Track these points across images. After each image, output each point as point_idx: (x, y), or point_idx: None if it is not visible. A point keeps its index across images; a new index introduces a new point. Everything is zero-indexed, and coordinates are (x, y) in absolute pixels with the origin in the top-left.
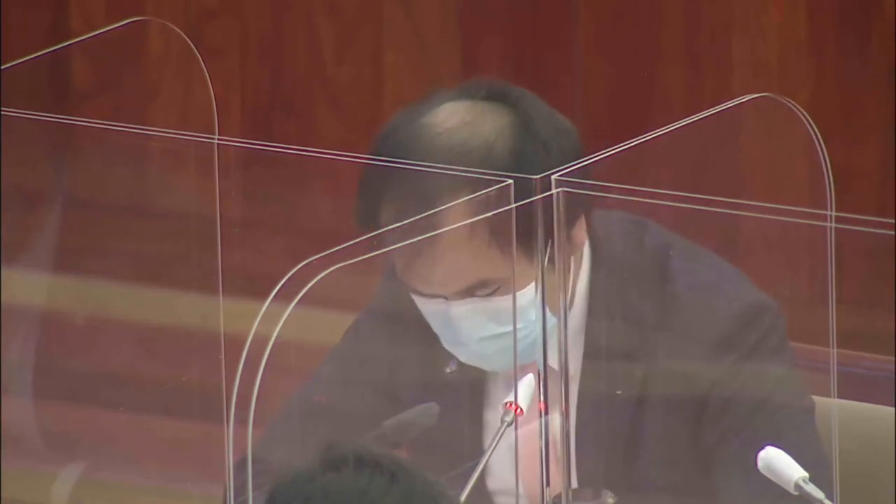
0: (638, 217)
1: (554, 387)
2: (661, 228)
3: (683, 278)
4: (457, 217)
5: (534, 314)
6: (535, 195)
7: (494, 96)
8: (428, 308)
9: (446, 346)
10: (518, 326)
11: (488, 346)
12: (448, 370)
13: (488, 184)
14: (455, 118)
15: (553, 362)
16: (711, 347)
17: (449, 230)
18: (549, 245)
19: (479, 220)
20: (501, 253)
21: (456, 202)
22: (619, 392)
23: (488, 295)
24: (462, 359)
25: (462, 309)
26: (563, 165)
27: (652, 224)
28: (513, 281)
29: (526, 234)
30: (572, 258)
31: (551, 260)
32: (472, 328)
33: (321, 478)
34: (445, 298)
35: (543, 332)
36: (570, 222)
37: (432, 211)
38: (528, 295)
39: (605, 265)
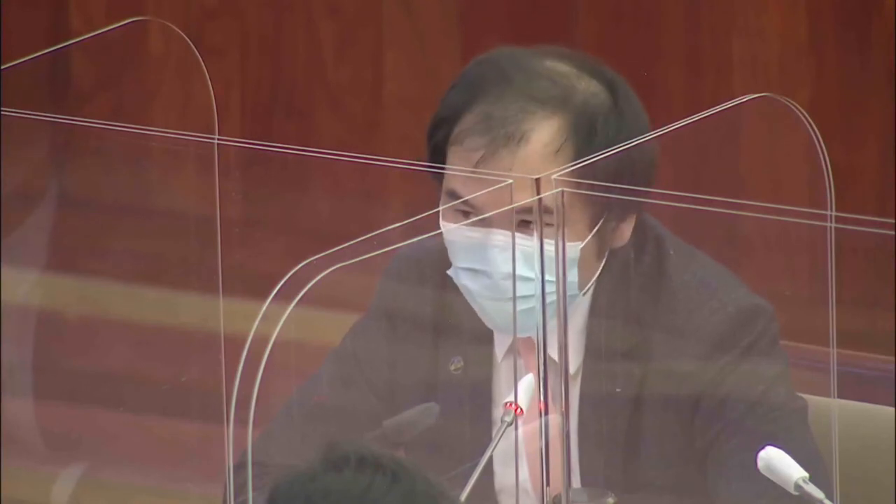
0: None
1: (554, 383)
2: (659, 224)
3: (679, 277)
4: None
5: (573, 276)
6: (536, 195)
7: (596, 72)
8: (458, 234)
9: (463, 278)
10: (550, 279)
11: (509, 287)
12: (452, 367)
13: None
14: (563, 63)
15: (553, 352)
16: (705, 348)
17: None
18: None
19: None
20: (577, 189)
21: (481, 193)
22: (618, 389)
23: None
24: (474, 289)
25: (502, 238)
26: (642, 150)
27: (647, 216)
28: (513, 280)
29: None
30: (608, 248)
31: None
32: (503, 262)
33: (322, 478)
34: (489, 227)
35: (544, 331)
36: (622, 216)
37: (436, 209)
38: (576, 252)
39: (609, 262)
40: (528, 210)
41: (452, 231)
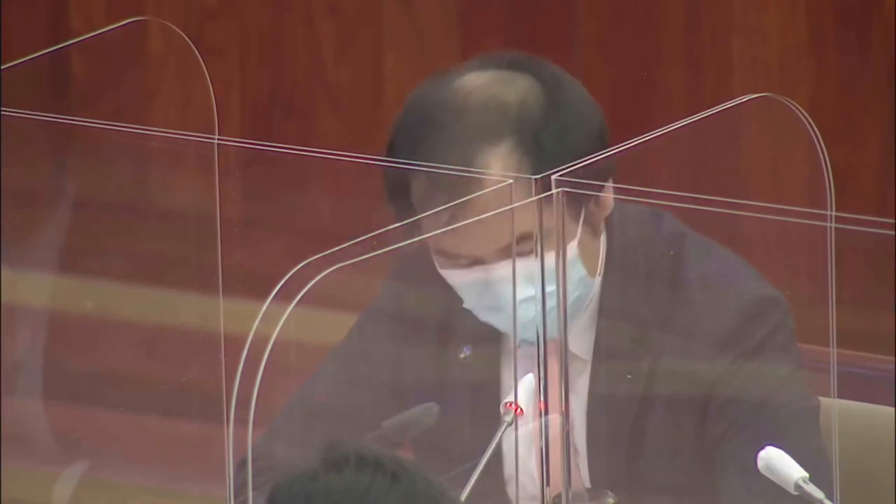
0: (655, 209)
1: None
2: (676, 220)
3: (695, 269)
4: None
5: (580, 272)
6: (535, 195)
7: (517, 65)
8: (462, 278)
9: (482, 315)
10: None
11: (528, 308)
12: (462, 356)
13: (511, 164)
14: (485, 77)
15: (570, 347)
16: (718, 341)
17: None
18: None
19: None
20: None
21: (472, 196)
22: (629, 376)
23: (527, 255)
24: (499, 326)
25: (502, 271)
26: (586, 131)
27: (668, 214)
28: (513, 281)
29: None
30: (602, 220)
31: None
32: (510, 293)
33: (323, 477)
34: (482, 264)
35: (544, 331)
36: (601, 186)
37: (445, 206)
38: (574, 252)
39: (622, 251)
40: (523, 237)
41: (454, 278)
